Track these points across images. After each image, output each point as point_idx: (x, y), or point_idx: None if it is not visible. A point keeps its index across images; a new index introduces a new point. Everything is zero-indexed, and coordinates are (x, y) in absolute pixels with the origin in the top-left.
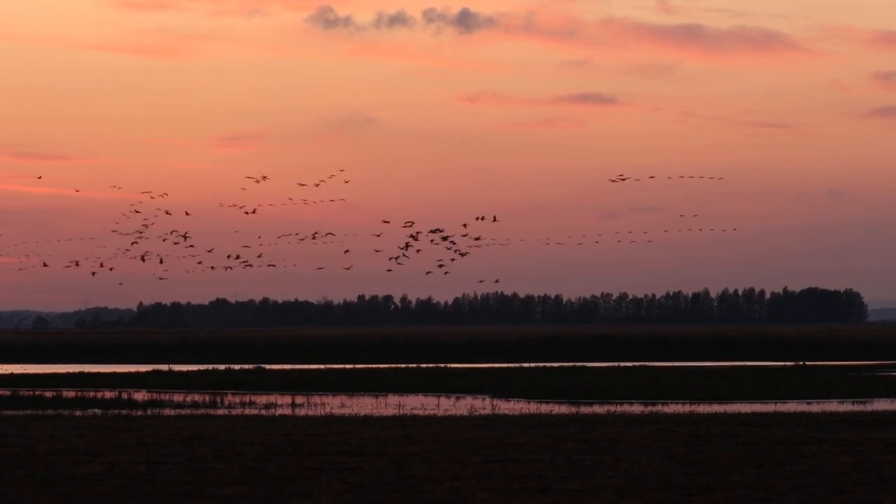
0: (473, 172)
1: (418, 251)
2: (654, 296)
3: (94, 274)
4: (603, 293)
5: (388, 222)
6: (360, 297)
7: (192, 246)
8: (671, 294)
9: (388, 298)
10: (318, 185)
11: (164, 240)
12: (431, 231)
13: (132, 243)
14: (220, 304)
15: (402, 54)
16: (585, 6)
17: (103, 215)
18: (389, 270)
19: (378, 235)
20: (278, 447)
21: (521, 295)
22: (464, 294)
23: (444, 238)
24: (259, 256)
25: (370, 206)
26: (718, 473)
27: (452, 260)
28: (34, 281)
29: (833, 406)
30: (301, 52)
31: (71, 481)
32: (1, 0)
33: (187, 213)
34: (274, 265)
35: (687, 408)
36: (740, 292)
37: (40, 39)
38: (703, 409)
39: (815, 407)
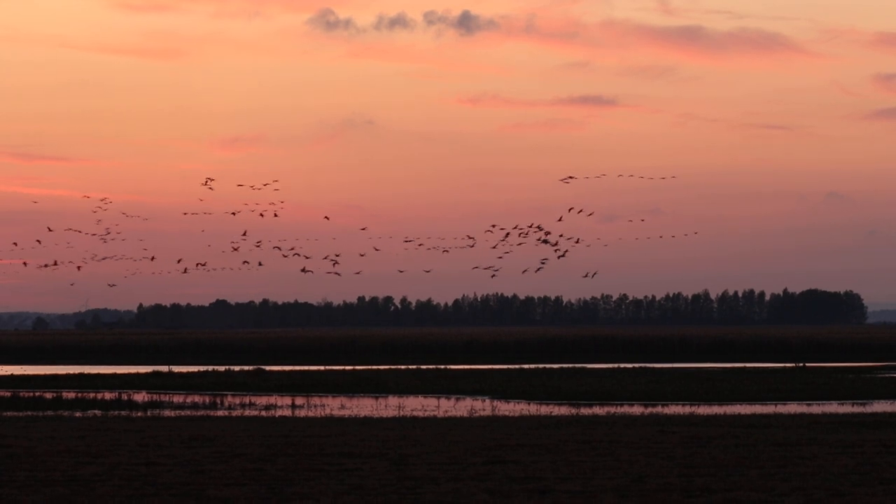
0: (474, 174)
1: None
2: (654, 297)
3: (79, 268)
4: (603, 295)
5: (411, 241)
6: (361, 299)
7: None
8: (671, 296)
9: (389, 300)
10: (257, 189)
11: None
12: (530, 227)
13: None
14: (221, 305)
15: (402, 56)
16: (586, 8)
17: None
18: (494, 276)
19: (472, 246)
20: (278, 448)
21: (521, 296)
22: (464, 295)
23: (546, 235)
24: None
25: (371, 208)
26: (718, 475)
27: (560, 257)
28: (34, 282)
29: (833, 408)
30: (301, 55)
31: (71, 482)
32: (2, 1)
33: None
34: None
35: (687, 409)
36: (740, 294)
37: (42, 41)
38: (703, 410)
39: (815, 408)
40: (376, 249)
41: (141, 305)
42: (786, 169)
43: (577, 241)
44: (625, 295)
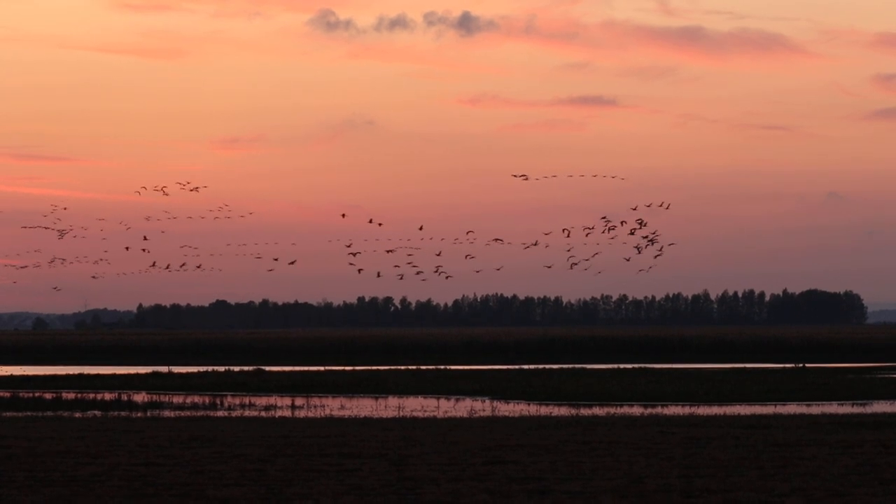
0: (474, 174)
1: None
2: (654, 298)
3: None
4: (603, 295)
5: (500, 240)
6: (360, 299)
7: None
8: (671, 296)
9: (388, 300)
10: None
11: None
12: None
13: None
14: (221, 305)
15: (402, 57)
16: (586, 8)
17: (104, 217)
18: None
19: (543, 246)
20: (278, 449)
21: (521, 297)
22: (464, 296)
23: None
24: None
25: (370, 208)
26: (718, 476)
27: (659, 252)
28: (34, 282)
29: (833, 408)
30: (302, 55)
31: (71, 483)
32: (2, 2)
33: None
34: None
35: (686, 410)
36: (740, 294)
37: (42, 41)
38: (703, 411)
39: (815, 409)
40: (389, 251)
41: (141, 306)
42: (785, 169)
43: (650, 241)
44: (624, 295)
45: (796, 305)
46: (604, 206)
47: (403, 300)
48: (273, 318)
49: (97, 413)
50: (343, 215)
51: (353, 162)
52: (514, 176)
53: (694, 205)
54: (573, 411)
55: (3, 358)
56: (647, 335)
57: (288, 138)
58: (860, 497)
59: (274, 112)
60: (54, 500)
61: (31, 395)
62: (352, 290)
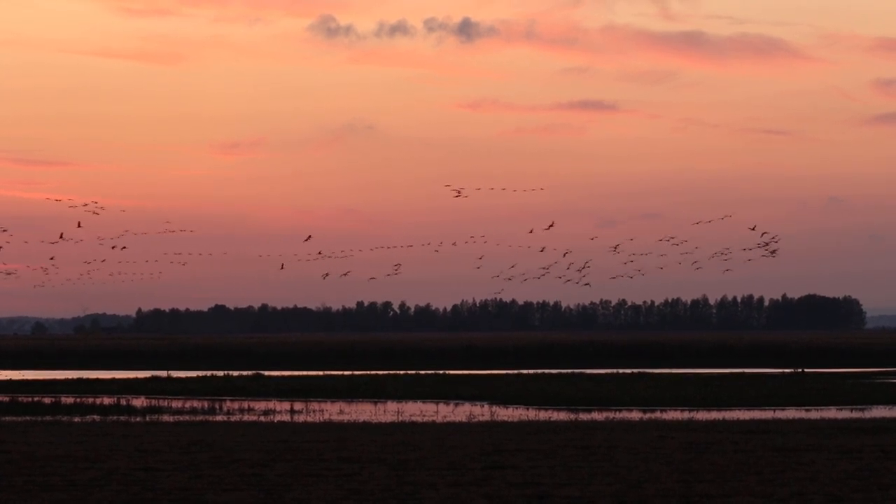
0: (474, 179)
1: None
2: (652, 303)
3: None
4: (602, 300)
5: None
6: (360, 304)
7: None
8: (670, 301)
9: (388, 305)
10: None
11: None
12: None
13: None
14: (219, 310)
15: (402, 61)
16: (587, 13)
17: (105, 221)
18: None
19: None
20: (277, 453)
21: (520, 301)
22: (462, 301)
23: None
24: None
25: (370, 213)
26: (717, 481)
27: (772, 253)
28: (33, 287)
29: (832, 413)
30: (302, 60)
31: (70, 487)
32: (3, 5)
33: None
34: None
35: (685, 415)
36: (739, 299)
37: (42, 45)
38: (702, 416)
39: (814, 414)
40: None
41: (140, 310)
42: (786, 174)
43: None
44: (623, 300)
45: (795, 310)
46: (604, 210)
47: (402, 305)
48: (272, 322)
49: (96, 418)
50: (308, 238)
51: (353, 166)
52: (447, 186)
53: (694, 209)
54: (572, 416)
55: (2, 362)
56: (646, 340)
57: (288, 143)
58: (859, 502)
59: (274, 117)
60: None
61: (30, 399)
62: (351, 295)
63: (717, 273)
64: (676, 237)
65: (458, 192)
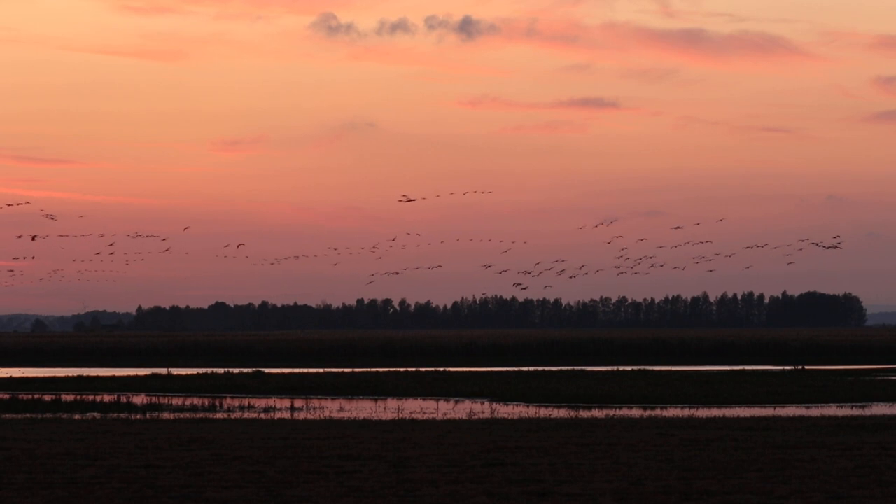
0: (475, 176)
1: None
2: (653, 300)
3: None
4: (602, 297)
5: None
6: (360, 301)
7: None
8: (670, 298)
9: (388, 302)
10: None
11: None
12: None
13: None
14: (220, 307)
15: (402, 59)
16: (587, 11)
17: (105, 218)
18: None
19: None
20: (277, 451)
21: (520, 299)
22: (462, 298)
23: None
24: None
25: (371, 210)
26: (717, 478)
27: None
28: (33, 284)
29: (832, 410)
30: (303, 57)
31: (70, 485)
32: (3, 3)
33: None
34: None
35: (686, 412)
36: (739, 296)
37: (42, 42)
38: (702, 413)
39: (814, 411)
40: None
41: (140, 307)
42: (786, 171)
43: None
44: (623, 297)
45: (795, 307)
46: (605, 207)
47: (402, 302)
48: (272, 319)
49: (96, 415)
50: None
51: (354, 164)
52: (403, 196)
53: (694, 207)
54: (572, 413)
55: (2, 360)
56: (646, 337)
57: (289, 140)
58: (859, 499)
59: (275, 114)
60: (53, 503)
61: (30, 396)
62: (351, 292)
63: (717, 269)
64: (694, 237)
65: (409, 199)
